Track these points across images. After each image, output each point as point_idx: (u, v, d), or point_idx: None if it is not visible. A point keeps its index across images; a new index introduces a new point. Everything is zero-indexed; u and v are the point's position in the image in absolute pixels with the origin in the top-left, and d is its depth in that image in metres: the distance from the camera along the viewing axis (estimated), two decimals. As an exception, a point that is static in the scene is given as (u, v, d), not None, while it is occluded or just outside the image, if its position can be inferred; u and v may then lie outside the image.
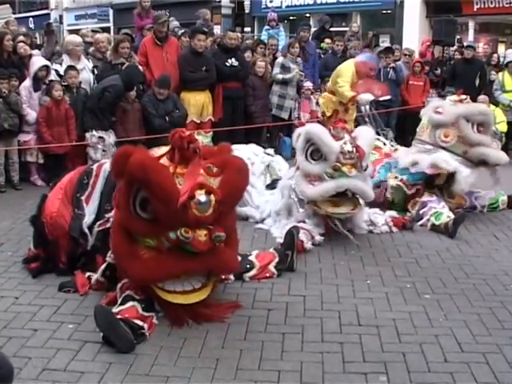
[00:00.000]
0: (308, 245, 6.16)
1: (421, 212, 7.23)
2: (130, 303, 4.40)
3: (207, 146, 5.08)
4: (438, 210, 7.10)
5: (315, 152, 6.33)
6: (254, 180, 7.05)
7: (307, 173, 6.40)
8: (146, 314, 4.39)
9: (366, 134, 6.66)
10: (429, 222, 7.07)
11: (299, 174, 6.50)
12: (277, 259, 5.47)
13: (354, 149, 6.25)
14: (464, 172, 7.19)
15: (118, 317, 4.20)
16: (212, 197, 4.28)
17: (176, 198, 4.17)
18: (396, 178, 7.51)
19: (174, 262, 4.35)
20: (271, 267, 5.42)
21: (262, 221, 7.01)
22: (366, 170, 6.40)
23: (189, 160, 4.42)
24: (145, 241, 4.42)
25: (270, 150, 8.22)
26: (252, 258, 5.42)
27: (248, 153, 7.42)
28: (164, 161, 4.48)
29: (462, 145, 7.33)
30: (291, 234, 5.61)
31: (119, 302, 4.48)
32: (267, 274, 5.39)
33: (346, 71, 9.59)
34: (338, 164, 6.22)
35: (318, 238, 6.33)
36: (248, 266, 5.32)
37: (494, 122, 7.62)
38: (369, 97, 9.58)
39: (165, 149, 4.60)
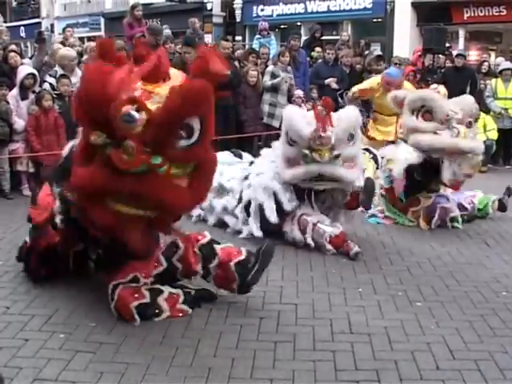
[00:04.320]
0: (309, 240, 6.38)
1: (435, 217, 7.34)
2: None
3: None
4: (453, 214, 7.33)
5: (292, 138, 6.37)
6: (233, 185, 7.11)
7: (285, 156, 6.45)
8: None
9: (347, 116, 6.42)
10: (450, 223, 7.32)
11: (280, 156, 6.54)
12: (241, 257, 4.92)
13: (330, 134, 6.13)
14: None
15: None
16: (143, 114, 3.93)
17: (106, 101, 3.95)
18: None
19: (107, 175, 4.04)
20: (231, 264, 4.87)
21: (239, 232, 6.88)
22: (337, 157, 6.21)
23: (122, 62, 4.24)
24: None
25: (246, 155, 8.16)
26: (217, 249, 4.95)
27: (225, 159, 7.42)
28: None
29: (408, 134, 7.35)
30: (267, 251, 4.99)
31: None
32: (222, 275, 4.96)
33: (367, 81, 10.29)
34: (306, 151, 6.20)
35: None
36: (210, 256, 4.93)
37: (440, 108, 7.12)
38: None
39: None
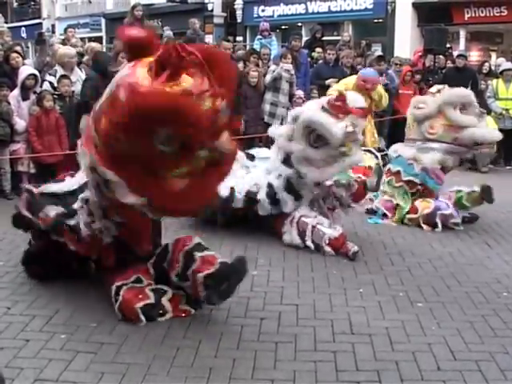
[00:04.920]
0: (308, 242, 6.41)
1: (439, 223, 7.35)
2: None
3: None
4: (454, 220, 7.38)
5: (318, 137, 6.31)
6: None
7: (306, 158, 6.41)
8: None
9: (353, 100, 6.47)
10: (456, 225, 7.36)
11: (297, 159, 6.49)
12: (211, 270, 4.63)
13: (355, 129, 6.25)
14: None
15: None
16: (224, 102, 4.03)
17: (204, 117, 3.91)
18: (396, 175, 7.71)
19: (215, 178, 4.34)
20: (201, 276, 4.62)
21: None
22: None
23: (179, 74, 3.94)
24: (174, 172, 4.16)
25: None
26: (197, 256, 4.75)
27: None
28: (144, 75, 3.93)
29: (450, 132, 7.43)
30: (239, 266, 4.73)
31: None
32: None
33: (343, 80, 10.11)
34: (344, 148, 6.25)
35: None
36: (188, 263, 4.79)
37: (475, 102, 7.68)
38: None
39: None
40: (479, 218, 7.72)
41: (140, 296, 4.65)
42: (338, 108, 6.22)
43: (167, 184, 4.14)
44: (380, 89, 10.13)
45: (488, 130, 7.60)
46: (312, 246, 6.39)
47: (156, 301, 4.69)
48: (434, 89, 8.00)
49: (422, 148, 7.57)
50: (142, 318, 4.60)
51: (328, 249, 6.30)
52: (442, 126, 7.45)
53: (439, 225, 7.33)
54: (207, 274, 4.60)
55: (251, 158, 7.76)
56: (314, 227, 6.42)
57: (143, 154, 4.05)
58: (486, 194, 7.54)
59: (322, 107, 6.31)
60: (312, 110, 6.45)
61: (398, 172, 7.70)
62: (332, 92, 9.81)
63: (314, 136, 6.32)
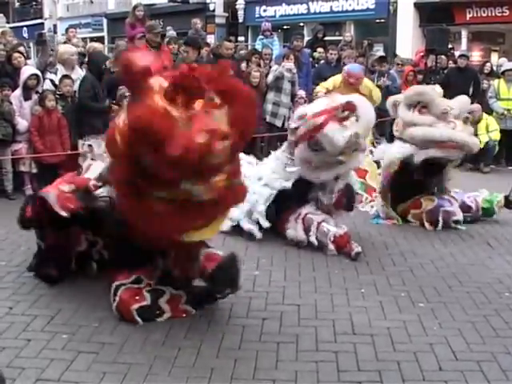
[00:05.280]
0: (312, 238, 6.39)
1: (440, 222, 7.35)
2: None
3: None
4: (456, 218, 7.34)
5: (317, 143, 6.32)
6: None
7: (306, 160, 6.48)
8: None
9: (365, 113, 6.42)
10: (453, 225, 7.32)
11: (299, 158, 6.53)
12: (208, 271, 4.73)
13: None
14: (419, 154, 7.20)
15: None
16: (227, 142, 3.89)
17: (192, 148, 3.77)
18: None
19: (194, 212, 4.16)
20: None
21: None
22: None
23: (193, 100, 3.96)
24: (155, 194, 4.16)
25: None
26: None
27: None
28: (160, 99, 3.93)
29: (406, 130, 7.39)
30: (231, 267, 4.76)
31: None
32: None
33: (332, 78, 10.08)
34: (341, 157, 6.27)
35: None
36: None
37: (436, 103, 7.24)
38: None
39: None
40: (481, 217, 7.71)
41: (137, 298, 4.66)
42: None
43: (147, 204, 4.15)
44: (368, 82, 10.13)
45: (428, 129, 7.14)
46: (315, 243, 6.40)
47: (152, 302, 4.68)
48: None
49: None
50: (138, 319, 4.61)
51: (331, 247, 6.30)
52: (401, 125, 7.47)
53: (440, 222, 7.33)
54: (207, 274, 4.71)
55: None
56: (319, 224, 6.43)
57: (131, 168, 4.09)
58: (506, 202, 7.72)
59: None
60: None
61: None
62: (319, 89, 9.88)
63: (315, 139, 6.32)
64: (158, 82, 4.04)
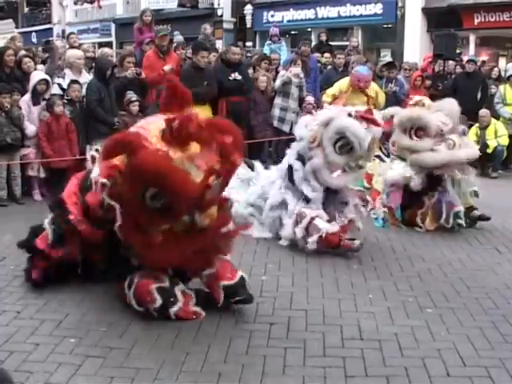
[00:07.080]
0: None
1: (443, 215, 7.40)
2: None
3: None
4: (457, 209, 7.39)
5: (344, 145, 6.36)
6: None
7: (331, 162, 6.48)
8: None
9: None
10: (453, 220, 7.37)
11: (320, 160, 6.52)
12: (231, 282, 4.88)
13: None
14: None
15: None
16: (220, 179, 4.49)
17: (193, 190, 4.30)
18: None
19: (189, 241, 4.57)
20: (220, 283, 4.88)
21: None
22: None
23: (188, 142, 4.46)
24: (158, 228, 4.56)
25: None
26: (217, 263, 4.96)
27: None
28: (157, 141, 4.46)
29: (405, 153, 7.48)
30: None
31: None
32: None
33: (337, 83, 10.17)
34: (361, 161, 6.52)
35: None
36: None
37: (430, 125, 7.24)
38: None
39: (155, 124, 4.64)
40: (490, 218, 7.66)
41: (156, 279, 4.74)
42: (366, 119, 6.34)
43: (148, 235, 4.53)
44: (374, 85, 10.19)
45: (435, 154, 7.23)
46: (299, 234, 6.41)
47: (171, 286, 4.78)
48: (412, 101, 8.02)
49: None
50: (157, 297, 4.66)
51: (314, 238, 6.32)
52: (398, 146, 7.58)
53: (444, 215, 7.36)
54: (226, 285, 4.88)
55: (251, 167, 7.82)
56: (312, 218, 6.43)
57: (133, 205, 4.48)
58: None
59: (349, 115, 6.39)
60: (346, 117, 6.46)
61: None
62: (325, 99, 9.91)
63: (342, 143, 6.36)
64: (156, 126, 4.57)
